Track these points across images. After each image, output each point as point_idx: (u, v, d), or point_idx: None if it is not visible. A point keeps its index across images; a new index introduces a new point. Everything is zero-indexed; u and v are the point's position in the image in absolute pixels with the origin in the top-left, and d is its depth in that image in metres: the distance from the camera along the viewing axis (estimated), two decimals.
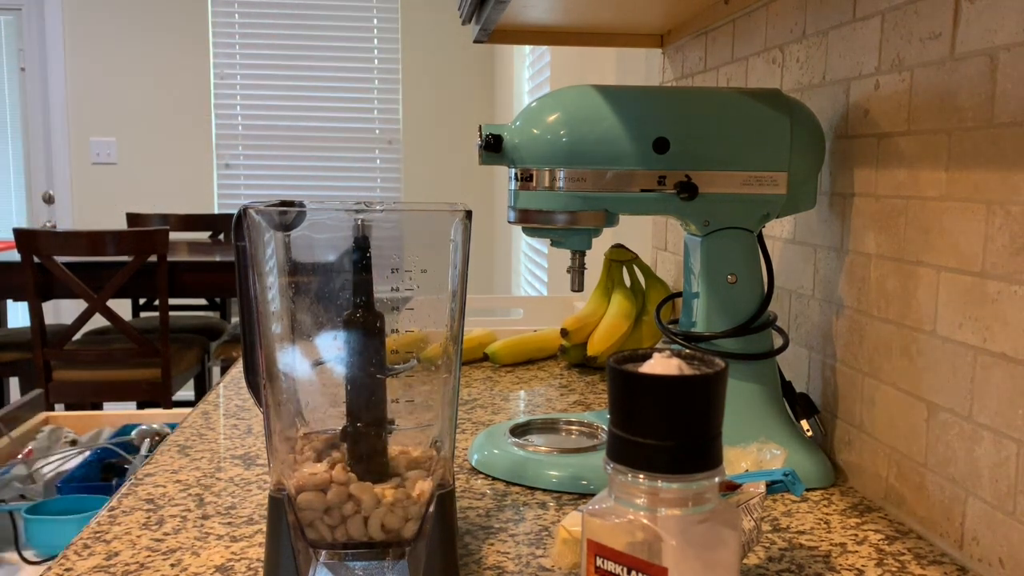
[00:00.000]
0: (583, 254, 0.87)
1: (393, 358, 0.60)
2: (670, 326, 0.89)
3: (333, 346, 0.60)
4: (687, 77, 1.34)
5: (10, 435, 1.75)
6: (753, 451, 0.78)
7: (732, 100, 0.83)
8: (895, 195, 0.77)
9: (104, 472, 1.72)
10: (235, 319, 4.06)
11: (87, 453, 1.75)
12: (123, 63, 4.57)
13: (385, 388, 0.60)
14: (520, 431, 0.92)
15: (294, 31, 4.64)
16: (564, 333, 1.30)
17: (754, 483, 0.67)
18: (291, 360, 0.60)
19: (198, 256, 3.38)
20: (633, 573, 0.45)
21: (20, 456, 1.73)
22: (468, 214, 0.59)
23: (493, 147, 0.80)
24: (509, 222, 0.85)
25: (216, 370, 4.14)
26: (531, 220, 0.82)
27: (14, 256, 3.27)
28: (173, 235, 4.26)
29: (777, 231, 1.02)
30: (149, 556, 0.67)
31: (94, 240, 2.93)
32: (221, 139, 4.68)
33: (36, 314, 2.96)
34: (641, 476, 0.44)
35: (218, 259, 3.29)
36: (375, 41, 4.72)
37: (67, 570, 0.65)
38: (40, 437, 1.82)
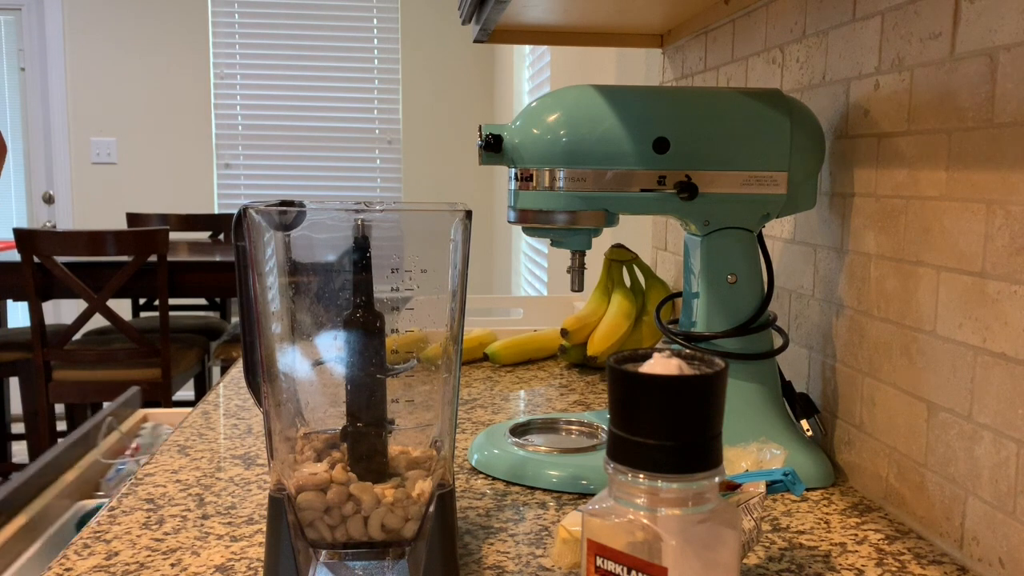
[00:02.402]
0: (583, 254, 0.87)
1: (393, 358, 0.60)
2: (670, 326, 0.89)
3: (333, 346, 0.60)
4: (687, 77, 1.34)
5: (120, 430, 1.74)
6: (753, 451, 0.78)
7: (732, 100, 0.83)
8: (895, 195, 0.77)
9: None
10: (235, 319, 4.06)
11: None
12: (123, 63, 4.57)
13: (385, 388, 0.60)
14: (520, 431, 0.92)
15: (294, 31, 4.64)
16: (564, 333, 1.30)
17: (754, 483, 0.67)
18: (291, 360, 0.60)
19: (198, 256, 3.38)
20: (633, 573, 0.45)
21: (128, 452, 1.73)
22: (468, 214, 0.59)
23: (493, 147, 0.80)
24: (509, 222, 0.85)
25: (216, 370, 4.14)
26: (531, 220, 0.82)
27: (14, 256, 3.27)
28: (173, 235, 4.26)
29: (777, 231, 1.02)
30: (149, 556, 0.67)
31: (94, 240, 2.93)
32: (221, 139, 4.68)
33: (36, 314, 2.96)
34: (641, 476, 0.44)
35: (218, 259, 3.29)
36: (375, 41, 4.72)
37: (67, 570, 0.65)
38: (144, 433, 1.82)
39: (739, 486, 0.66)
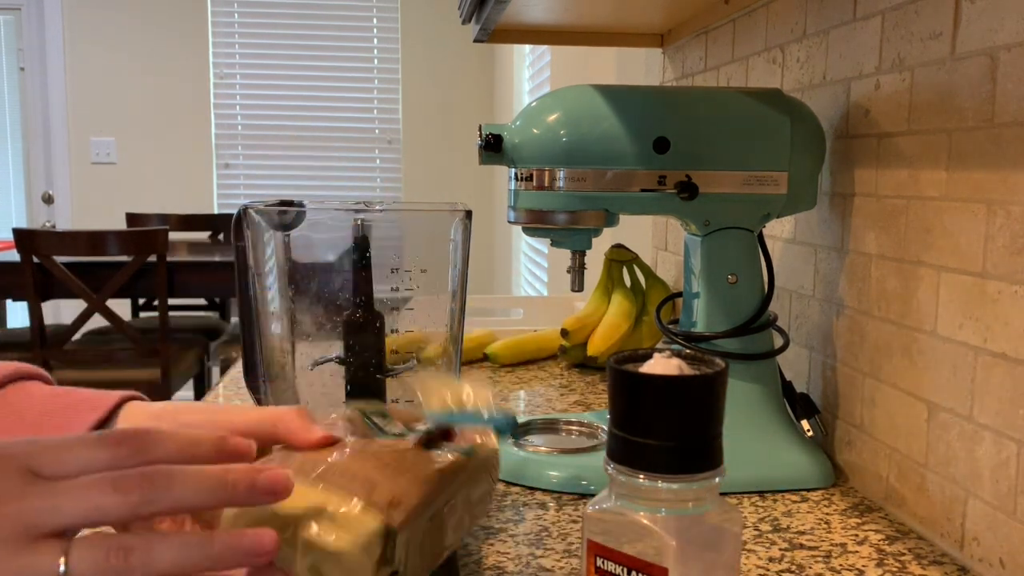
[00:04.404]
0: (583, 254, 0.87)
1: (393, 358, 0.60)
2: (670, 326, 0.89)
3: (333, 346, 0.60)
4: (687, 77, 1.34)
5: None
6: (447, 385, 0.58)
7: (732, 100, 0.83)
8: (895, 195, 0.77)
9: None
10: (235, 319, 4.06)
11: None
12: (123, 63, 4.56)
13: (385, 388, 0.60)
14: (520, 431, 0.92)
15: (294, 31, 4.64)
16: (564, 333, 1.30)
17: (476, 429, 0.55)
18: (291, 360, 0.60)
19: (198, 256, 3.38)
20: (633, 573, 0.45)
21: None
22: (468, 214, 0.59)
23: (493, 147, 0.80)
24: (509, 222, 0.85)
25: (216, 370, 4.14)
26: (531, 220, 0.82)
27: (14, 256, 3.26)
28: (173, 235, 4.25)
29: (777, 231, 1.02)
30: None
31: (94, 240, 2.93)
32: (221, 139, 4.68)
33: (36, 314, 2.95)
34: (641, 476, 0.44)
35: (218, 259, 3.29)
36: (375, 41, 4.72)
37: None
38: None
39: (451, 433, 0.54)
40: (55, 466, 0.40)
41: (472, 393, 0.56)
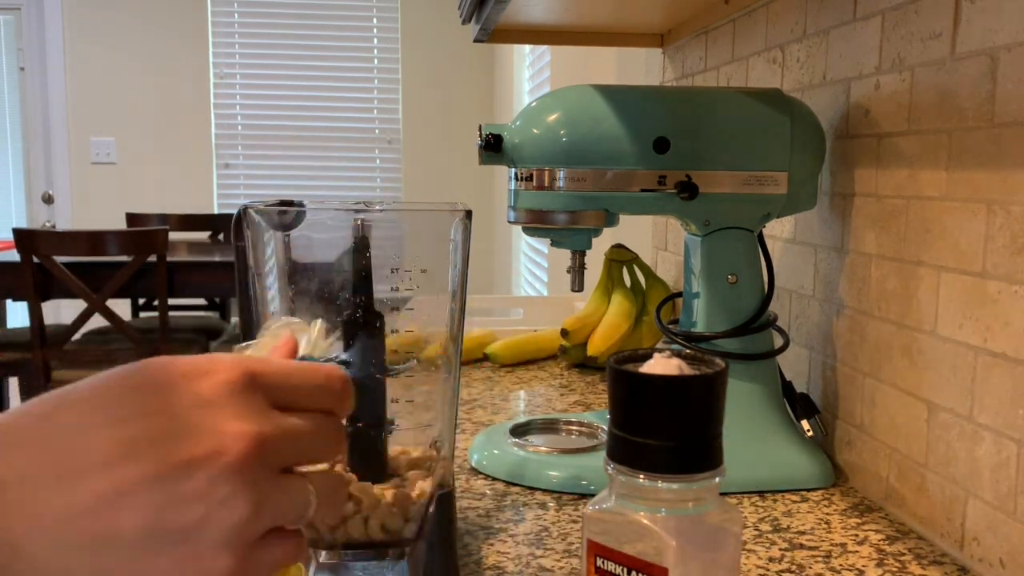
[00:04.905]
0: (583, 254, 0.87)
1: (393, 358, 0.60)
2: (670, 326, 0.89)
3: (333, 346, 0.60)
4: (687, 77, 1.34)
5: None
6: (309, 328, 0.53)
7: (732, 100, 0.83)
8: (895, 195, 0.77)
9: None
10: (235, 319, 4.06)
11: None
12: (123, 63, 4.56)
13: (385, 388, 0.60)
14: (520, 431, 0.92)
15: (294, 31, 4.64)
16: (564, 333, 1.30)
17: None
18: None
19: (198, 256, 3.38)
20: (633, 573, 0.45)
21: None
22: (468, 214, 0.59)
23: (493, 147, 0.80)
24: (509, 222, 0.85)
25: None
26: (531, 220, 0.82)
27: (14, 256, 3.26)
28: (173, 235, 4.24)
29: (777, 231, 1.02)
30: None
31: (94, 240, 2.92)
32: (220, 139, 4.68)
33: (36, 314, 2.95)
34: (641, 476, 0.44)
35: (218, 259, 3.29)
36: (375, 41, 4.72)
37: None
38: None
39: None
40: (287, 395, 0.38)
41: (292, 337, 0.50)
